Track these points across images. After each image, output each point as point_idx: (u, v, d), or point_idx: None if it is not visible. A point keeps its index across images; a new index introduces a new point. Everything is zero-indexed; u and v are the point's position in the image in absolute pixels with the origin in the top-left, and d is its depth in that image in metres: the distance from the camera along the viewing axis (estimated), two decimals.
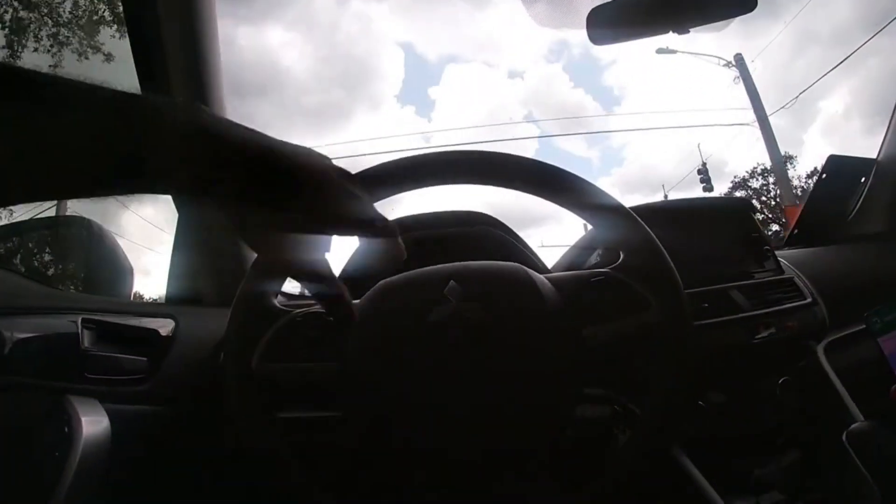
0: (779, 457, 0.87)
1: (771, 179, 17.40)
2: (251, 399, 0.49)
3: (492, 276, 0.53)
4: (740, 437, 0.84)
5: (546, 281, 0.54)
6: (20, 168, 0.31)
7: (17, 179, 0.32)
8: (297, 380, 0.52)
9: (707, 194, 14.66)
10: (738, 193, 17.78)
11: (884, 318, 0.63)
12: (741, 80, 10.28)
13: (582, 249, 0.91)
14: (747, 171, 17.76)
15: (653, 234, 0.54)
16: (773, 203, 17.09)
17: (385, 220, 0.46)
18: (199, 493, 0.80)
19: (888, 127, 1.14)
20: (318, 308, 0.53)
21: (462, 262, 0.54)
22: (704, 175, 13.71)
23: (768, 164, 17.62)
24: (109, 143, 0.33)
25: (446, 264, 0.54)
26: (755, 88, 10.06)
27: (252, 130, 0.39)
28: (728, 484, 0.79)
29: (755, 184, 17.83)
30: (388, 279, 0.54)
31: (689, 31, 0.79)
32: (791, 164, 17.38)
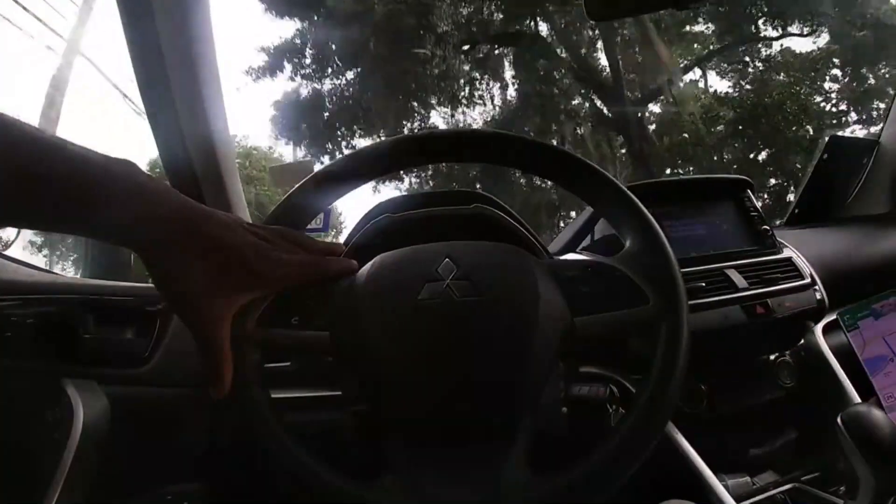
0: (774, 436, 0.88)
1: None
2: (246, 361, 0.49)
3: (486, 256, 0.53)
4: (736, 416, 0.84)
5: (543, 265, 0.53)
6: None
7: None
8: (291, 345, 0.52)
9: None
10: None
11: (855, 315, 0.66)
12: None
13: (582, 225, 0.91)
14: None
15: (658, 228, 0.53)
16: None
17: (328, 262, 0.50)
18: (199, 475, 0.80)
19: (890, 109, 1.13)
20: None
21: (457, 241, 0.54)
22: None
23: None
24: None
25: (440, 242, 0.54)
26: None
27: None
28: (723, 462, 0.80)
29: None
30: (383, 255, 0.54)
31: (688, 7, 0.78)
32: None
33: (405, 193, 0.77)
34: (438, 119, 8.48)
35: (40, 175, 0.35)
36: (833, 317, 0.88)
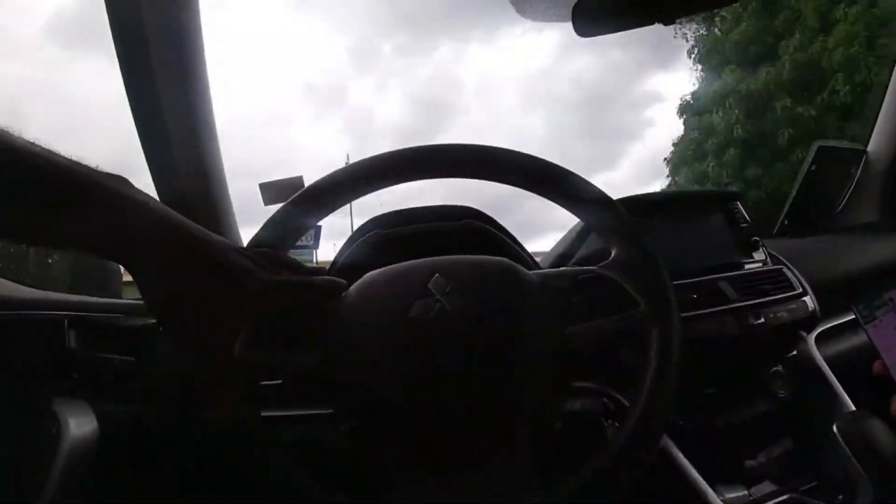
0: (770, 447, 0.88)
1: None
2: (231, 388, 0.49)
3: (476, 271, 0.53)
4: (731, 428, 0.84)
5: (532, 277, 0.53)
6: None
7: None
8: (280, 368, 0.52)
9: None
10: None
11: (871, 305, 0.63)
12: None
13: (573, 240, 0.91)
14: None
15: (642, 234, 0.54)
16: None
17: (316, 282, 0.50)
18: (188, 492, 0.79)
19: (877, 118, 1.14)
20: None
21: (447, 257, 0.54)
22: None
23: None
24: None
25: (430, 258, 0.54)
26: None
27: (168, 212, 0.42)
28: (718, 475, 0.79)
29: None
30: (372, 272, 0.54)
31: (674, 22, 0.79)
32: None
33: (396, 209, 0.77)
34: None
35: (27, 186, 0.35)
36: (826, 326, 0.89)
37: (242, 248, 0.48)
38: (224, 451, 0.72)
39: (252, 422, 0.49)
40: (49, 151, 0.37)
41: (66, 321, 0.74)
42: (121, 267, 0.42)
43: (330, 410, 0.58)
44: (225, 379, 0.44)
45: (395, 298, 0.50)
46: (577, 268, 0.56)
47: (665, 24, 0.78)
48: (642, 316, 0.51)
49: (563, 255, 0.90)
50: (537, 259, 0.83)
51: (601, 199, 0.55)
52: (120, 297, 0.89)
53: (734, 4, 0.77)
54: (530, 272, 0.54)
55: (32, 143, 0.36)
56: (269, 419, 0.55)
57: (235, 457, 0.67)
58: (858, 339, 0.87)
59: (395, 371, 0.49)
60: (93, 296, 0.86)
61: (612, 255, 0.55)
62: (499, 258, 0.55)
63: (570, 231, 0.94)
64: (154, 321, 0.80)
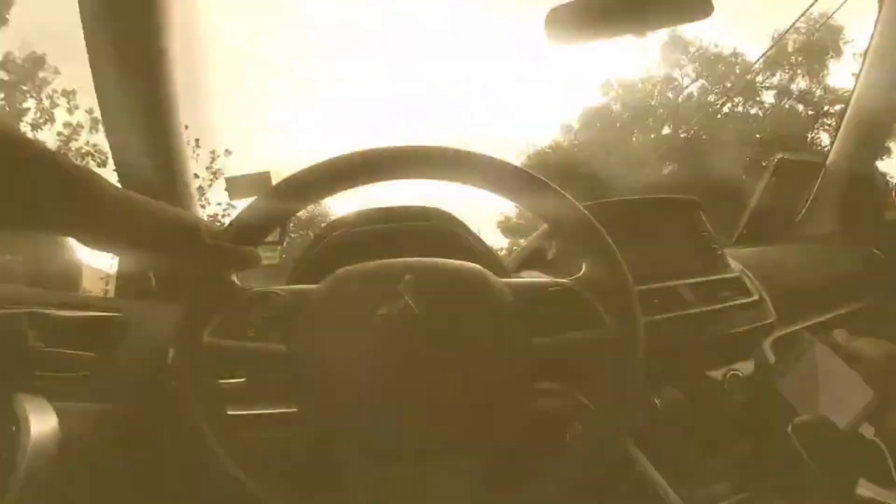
0: (728, 449, 0.90)
1: None
2: (202, 376, 0.49)
3: (447, 276, 0.54)
4: (690, 430, 0.86)
5: (503, 286, 0.54)
6: None
7: None
8: (245, 358, 0.52)
9: None
10: None
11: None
12: None
13: (544, 238, 0.92)
14: None
15: (617, 252, 0.54)
16: None
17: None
18: (151, 490, 0.78)
19: (837, 132, 1.19)
20: (276, 288, 0.53)
21: (420, 259, 0.55)
22: None
23: None
24: None
25: (404, 259, 0.54)
26: None
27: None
28: (677, 475, 0.81)
29: None
30: (345, 268, 0.54)
31: (645, 35, 0.81)
32: None
33: (364, 208, 0.77)
34: None
35: (25, 178, 0.38)
36: (781, 333, 0.92)
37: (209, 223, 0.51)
38: (188, 449, 0.71)
39: (216, 419, 0.49)
40: (42, 144, 0.41)
41: (25, 316, 0.73)
42: (81, 261, 0.46)
43: (294, 409, 0.59)
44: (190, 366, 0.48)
45: (365, 296, 0.51)
46: (548, 279, 0.57)
47: (637, 37, 0.80)
48: (609, 339, 0.52)
49: (531, 257, 0.91)
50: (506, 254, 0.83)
51: (572, 209, 0.55)
52: (80, 291, 0.87)
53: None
54: (501, 280, 0.54)
55: (25, 135, 0.39)
56: (233, 417, 0.55)
57: (198, 456, 0.67)
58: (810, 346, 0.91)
59: (357, 368, 0.49)
60: (52, 290, 0.84)
61: (584, 270, 0.55)
62: (471, 265, 0.55)
63: (537, 232, 0.95)
64: (115, 315, 0.79)
